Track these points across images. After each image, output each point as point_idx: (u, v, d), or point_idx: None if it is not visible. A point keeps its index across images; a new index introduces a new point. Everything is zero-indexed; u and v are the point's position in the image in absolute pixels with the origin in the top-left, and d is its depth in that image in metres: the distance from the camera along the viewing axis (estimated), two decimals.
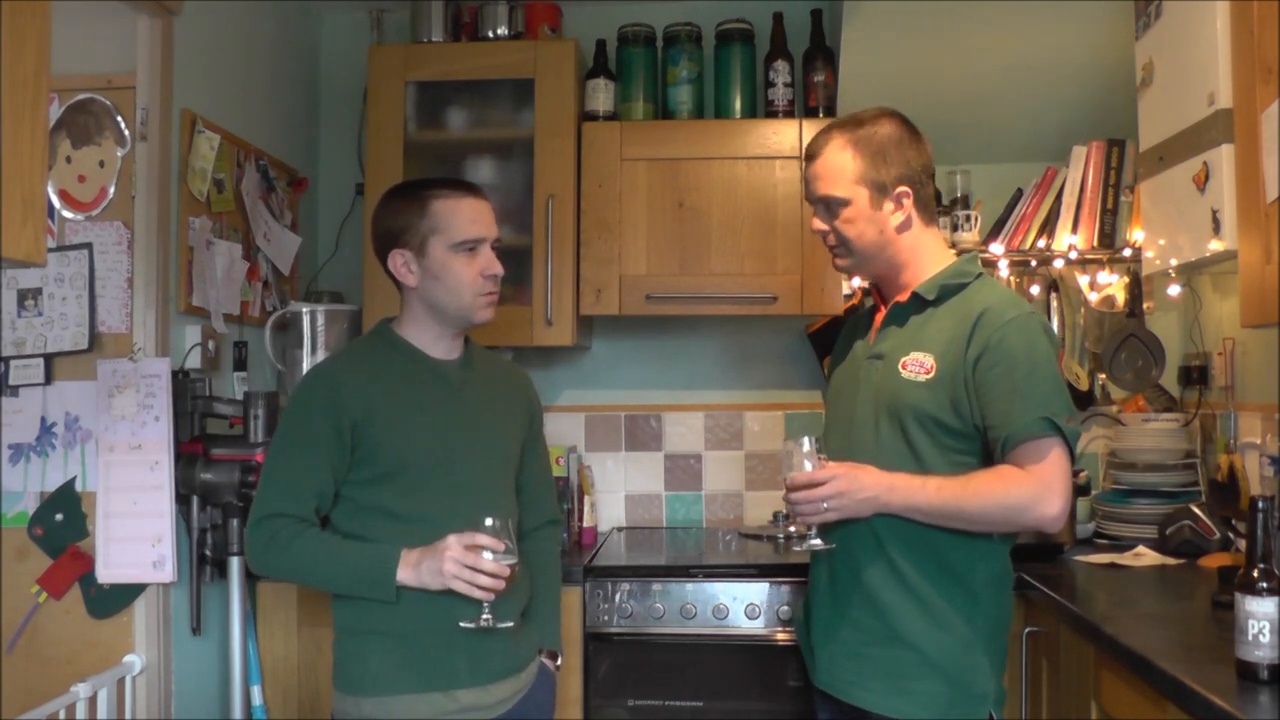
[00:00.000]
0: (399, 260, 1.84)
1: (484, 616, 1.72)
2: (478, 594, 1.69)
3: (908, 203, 1.82)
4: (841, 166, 1.82)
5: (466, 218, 1.84)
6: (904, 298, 1.85)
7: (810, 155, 1.86)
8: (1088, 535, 2.74)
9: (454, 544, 1.69)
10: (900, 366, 1.79)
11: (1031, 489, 1.68)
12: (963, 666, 1.76)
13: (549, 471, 2.15)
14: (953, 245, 2.82)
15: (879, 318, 1.91)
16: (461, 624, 1.74)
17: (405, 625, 1.77)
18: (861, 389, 1.86)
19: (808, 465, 1.71)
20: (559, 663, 2.04)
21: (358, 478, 1.81)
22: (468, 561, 1.68)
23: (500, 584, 1.70)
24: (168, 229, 2.31)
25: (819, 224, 1.87)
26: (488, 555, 1.69)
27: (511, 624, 1.80)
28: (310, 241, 3.14)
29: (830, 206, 1.84)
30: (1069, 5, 2.59)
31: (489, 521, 1.70)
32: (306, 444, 1.79)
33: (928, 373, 1.76)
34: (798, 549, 1.81)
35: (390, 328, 1.92)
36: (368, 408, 1.79)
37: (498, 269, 1.86)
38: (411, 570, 1.72)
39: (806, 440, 1.72)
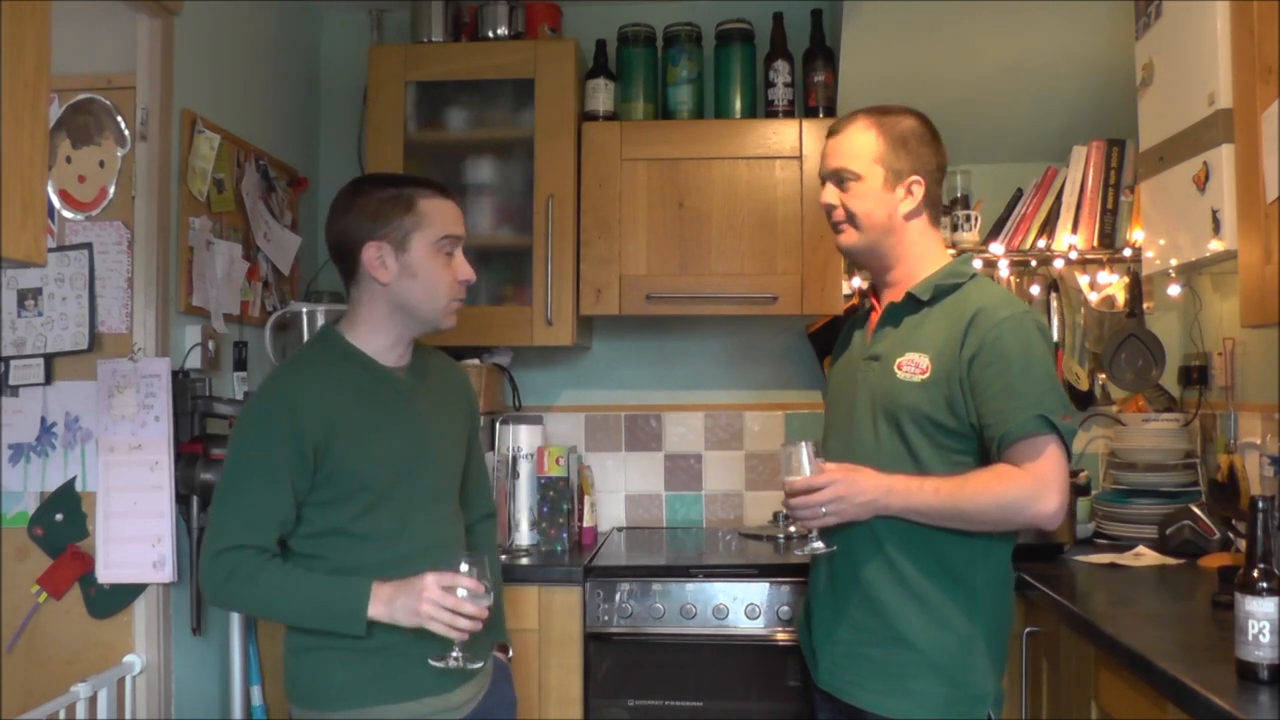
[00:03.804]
0: (374, 253, 1.74)
1: (454, 655, 1.66)
2: (454, 635, 1.64)
3: (919, 190, 1.85)
4: (862, 144, 1.85)
5: (450, 217, 1.80)
6: (898, 298, 1.86)
7: (832, 132, 1.90)
8: (1088, 535, 2.74)
9: (431, 584, 1.63)
10: (896, 367, 1.80)
11: (1029, 486, 1.69)
12: (962, 666, 1.76)
13: (484, 465, 2.13)
14: (953, 245, 2.82)
15: (874, 319, 1.92)
16: (431, 662, 1.68)
17: (367, 643, 1.71)
18: (859, 390, 1.86)
19: (806, 469, 1.71)
20: (510, 655, 2.04)
21: (318, 499, 1.74)
22: (447, 604, 1.63)
23: (478, 625, 1.66)
24: (168, 229, 2.31)
25: (828, 198, 1.89)
26: (462, 594, 1.64)
27: (481, 664, 1.75)
28: (310, 241, 3.14)
29: (842, 180, 1.86)
30: (1069, 5, 2.59)
31: (464, 567, 1.65)
32: (269, 472, 1.69)
33: (923, 373, 1.77)
34: (799, 553, 1.81)
35: (339, 333, 1.82)
36: (327, 428, 1.71)
37: (472, 275, 1.83)
38: (384, 606, 1.65)
39: (804, 444, 1.72)
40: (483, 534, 2.06)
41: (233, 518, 1.70)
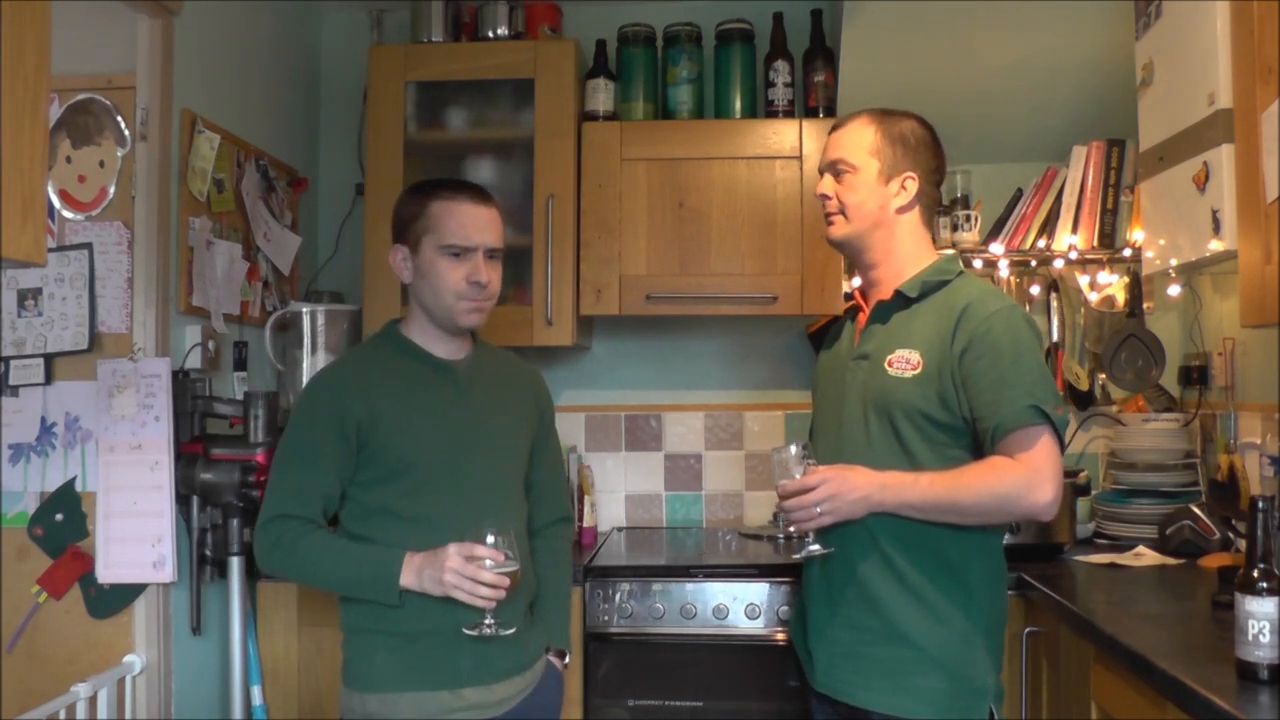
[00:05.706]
0: (398, 255, 1.89)
1: (486, 623, 1.73)
2: (478, 602, 1.71)
3: (912, 186, 1.87)
4: (861, 138, 1.88)
5: (460, 222, 1.83)
6: (887, 296, 1.87)
7: (835, 127, 1.94)
8: (1088, 535, 2.74)
9: (453, 554, 1.70)
10: (886, 364, 1.81)
11: (1023, 477, 1.68)
12: (962, 661, 1.76)
13: (560, 469, 2.15)
14: (953, 245, 2.82)
15: (862, 319, 1.93)
16: (465, 630, 1.74)
17: (410, 626, 1.78)
18: (849, 389, 1.87)
19: (797, 471, 1.71)
20: (566, 661, 2.04)
21: (364, 479, 1.83)
22: (467, 572, 1.69)
23: (501, 593, 1.71)
24: (168, 229, 2.31)
25: (824, 188, 1.91)
26: (488, 564, 1.70)
27: (514, 630, 1.80)
28: (310, 241, 3.14)
29: (839, 172, 1.89)
30: (1069, 5, 2.59)
31: (490, 539, 1.71)
32: (310, 450, 1.82)
33: (914, 368, 1.78)
34: (797, 556, 1.81)
35: (397, 328, 1.94)
36: (372, 410, 1.81)
37: (482, 277, 1.84)
38: (414, 575, 1.74)
39: (794, 446, 1.72)
40: (552, 538, 2.06)
41: (278, 490, 1.83)
